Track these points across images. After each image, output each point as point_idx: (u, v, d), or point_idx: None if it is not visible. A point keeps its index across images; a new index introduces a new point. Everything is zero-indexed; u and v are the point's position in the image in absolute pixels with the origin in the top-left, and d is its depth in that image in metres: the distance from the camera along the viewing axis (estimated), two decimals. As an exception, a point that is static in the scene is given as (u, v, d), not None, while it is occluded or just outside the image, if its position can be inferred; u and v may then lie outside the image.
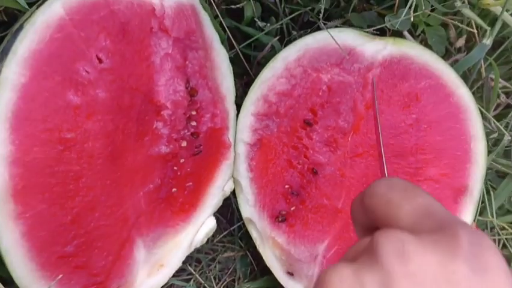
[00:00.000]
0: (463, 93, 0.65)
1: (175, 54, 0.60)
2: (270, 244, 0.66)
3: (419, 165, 0.65)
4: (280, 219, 0.66)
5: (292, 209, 0.66)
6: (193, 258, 0.71)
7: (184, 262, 0.68)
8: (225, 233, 0.72)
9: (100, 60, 0.54)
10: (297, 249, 0.65)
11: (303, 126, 0.66)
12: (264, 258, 0.66)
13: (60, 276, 0.53)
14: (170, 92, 0.61)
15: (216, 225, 0.67)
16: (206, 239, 0.66)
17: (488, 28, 0.63)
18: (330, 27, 0.66)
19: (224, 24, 0.66)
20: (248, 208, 0.66)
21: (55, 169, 0.52)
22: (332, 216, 0.66)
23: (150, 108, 0.60)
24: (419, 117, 0.65)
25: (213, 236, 0.69)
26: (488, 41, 0.64)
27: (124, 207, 0.58)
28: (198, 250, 0.70)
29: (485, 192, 0.71)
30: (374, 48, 0.65)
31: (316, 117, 0.66)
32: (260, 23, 0.68)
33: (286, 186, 0.67)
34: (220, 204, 0.67)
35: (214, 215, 0.67)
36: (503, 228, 0.71)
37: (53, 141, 0.52)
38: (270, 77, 0.65)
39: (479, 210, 0.69)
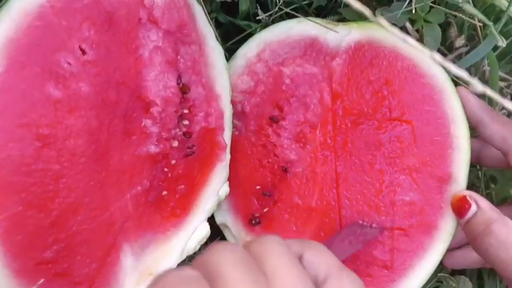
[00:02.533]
0: (436, 73, 0.61)
1: (165, 48, 0.57)
2: None
3: (395, 154, 0.61)
4: (254, 222, 0.63)
5: (265, 210, 0.63)
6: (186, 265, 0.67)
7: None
8: (218, 238, 0.68)
9: (83, 52, 0.51)
10: None
11: (269, 123, 0.63)
12: None
13: (42, 280, 0.50)
14: (160, 88, 0.57)
15: (209, 231, 0.62)
16: (199, 246, 0.62)
17: (491, 23, 0.59)
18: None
19: (210, 21, 0.63)
20: (221, 212, 0.63)
21: (32, 167, 0.48)
22: (307, 215, 0.63)
23: (138, 104, 0.56)
24: (390, 102, 0.61)
25: (207, 242, 0.65)
26: (501, 42, 0.60)
27: (110, 211, 0.55)
28: (191, 257, 0.66)
29: (483, 188, 0.68)
30: (337, 36, 0.61)
31: (283, 113, 0.63)
32: (261, 14, 0.64)
33: (258, 187, 0.63)
34: (215, 209, 0.63)
35: (208, 220, 0.63)
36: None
37: (30, 137, 0.48)
38: (231, 75, 0.62)
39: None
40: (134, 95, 0.55)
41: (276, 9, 0.62)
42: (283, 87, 0.63)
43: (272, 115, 0.63)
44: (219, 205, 0.63)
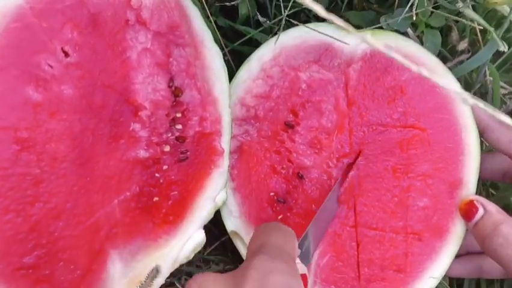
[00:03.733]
0: (450, 81, 0.58)
1: (155, 50, 0.55)
2: None
3: (410, 161, 0.61)
4: None
5: (279, 217, 0.61)
6: (183, 272, 0.65)
7: (172, 276, 0.62)
8: (216, 244, 0.66)
9: (66, 54, 0.50)
10: None
11: (284, 128, 0.61)
12: None
13: None
14: (149, 91, 0.55)
15: (205, 239, 0.60)
16: (193, 255, 0.60)
17: (492, 29, 0.56)
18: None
19: (212, 23, 0.61)
20: (232, 220, 0.61)
21: (10, 171, 0.47)
22: None
23: (126, 108, 0.54)
24: (405, 110, 0.60)
25: (205, 247, 0.63)
26: (502, 47, 0.58)
27: (95, 216, 0.53)
28: (188, 262, 0.64)
29: (484, 195, 0.68)
30: (352, 42, 0.60)
31: (298, 118, 0.61)
32: (261, 18, 0.62)
33: (272, 194, 0.61)
34: (211, 216, 0.61)
35: (206, 225, 0.61)
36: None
37: (8, 140, 0.47)
38: (246, 79, 0.61)
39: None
40: (121, 98, 0.54)
41: (284, 15, 0.60)
42: (299, 93, 0.61)
43: (287, 120, 0.61)
44: (229, 212, 0.62)
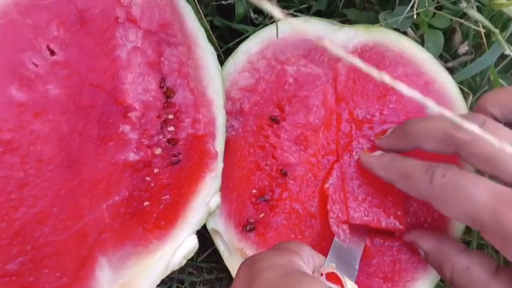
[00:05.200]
0: (444, 81, 0.58)
1: (145, 49, 0.53)
2: (239, 256, 0.59)
3: None
4: (248, 228, 0.59)
5: (261, 216, 0.59)
6: (174, 279, 0.63)
7: (163, 283, 0.60)
8: (210, 251, 0.64)
9: (52, 52, 0.48)
10: None
11: (269, 123, 0.59)
12: (231, 273, 0.59)
13: None
14: (139, 92, 0.53)
15: (197, 244, 0.58)
16: (185, 261, 0.58)
17: (497, 30, 0.54)
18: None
19: (205, 22, 0.60)
20: (212, 218, 0.59)
21: (-9, 174, 0.45)
22: (306, 222, 0.59)
23: (115, 109, 0.52)
24: (397, 107, 0.58)
25: (197, 254, 0.61)
26: (508, 50, 0.56)
27: (83, 221, 0.51)
28: (180, 270, 0.62)
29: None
30: (344, 37, 0.59)
31: (284, 114, 0.59)
32: (253, 15, 0.60)
33: (254, 191, 0.59)
34: (204, 221, 0.59)
35: (198, 231, 0.59)
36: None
37: (-10, 142, 0.45)
38: (232, 71, 0.59)
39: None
40: (110, 99, 0.52)
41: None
42: (286, 87, 0.59)
43: (272, 115, 0.59)
44: (209, 210, 0.60)
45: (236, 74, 0.59)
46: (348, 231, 0.57)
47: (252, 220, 0.59)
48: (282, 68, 0.59)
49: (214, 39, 0.61)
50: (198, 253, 0.60)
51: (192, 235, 0.58)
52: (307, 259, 0.48)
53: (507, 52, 0.55)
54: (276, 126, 0.60)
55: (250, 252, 0.58)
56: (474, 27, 0.57)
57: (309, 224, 0.59)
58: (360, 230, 0.58)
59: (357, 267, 0.55)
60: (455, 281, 0.50)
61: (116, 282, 0.54)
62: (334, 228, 0.57)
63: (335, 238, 0.56)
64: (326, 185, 0.58)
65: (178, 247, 0.57)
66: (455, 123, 0.45)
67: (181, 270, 0.63)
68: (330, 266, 0.49)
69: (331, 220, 0.58)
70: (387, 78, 0.25)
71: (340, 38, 0.59)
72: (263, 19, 0.62)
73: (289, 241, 0.53)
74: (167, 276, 0.58)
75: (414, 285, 0.58)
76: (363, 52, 0.59)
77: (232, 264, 0.59)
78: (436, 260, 0.52)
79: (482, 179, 0.45)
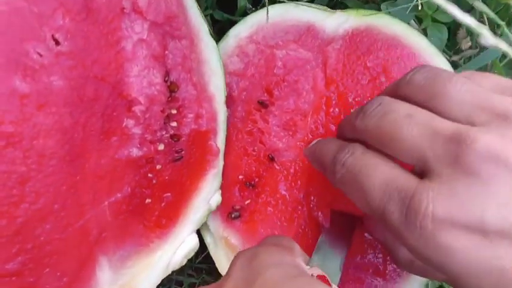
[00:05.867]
0: (438, 63, 0.57)
1: (151, 41, 0.52)
2: (223, 245, 0.58)
3: None
4: (233, 215, 0.58)
5: (247, 202, 0.58)
6: (173, 281, 0.61)
7: (162, 285, 0.58)
8: (208, 251, 0.62)
9: (57, 42, 0.46)
10: None
11: (257, 108, 0.58)
12: (216, 263, 0.57)
13: None
14: (144, 85, 0.52)
15: (198, 244, 0.57)
16: (185, 261, 0.56)
17: (503, 23, 0.54)
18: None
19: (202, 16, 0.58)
20: None
21: (-7, 169, 0.43)
22: (293, 209, 0.58)
23: (119, 102, 0.51)
24: None
25: (196, 255, 0.59)
26: None
27: (84, 219, 0.49)
28: (179, 271, 0.61)
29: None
30: (335, 22, 0.58)
31: (273, 98, 0.58)
32: (249, 6, 0.60)
33: (241, 177, 0.58)
34: (205, 220, 0.57)
35: (197, 232, 0.58)
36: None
37: (-8, 134, 0.43)
38: (222, 55, 0.58)
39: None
40: (114, 92, 0.50)
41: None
42: (274, 71, 0.58)
43: (261, 99, 0.59)
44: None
45: (226, 58, 0.59)
46: (331, 217, 0.57)
47: (237, 207, 0.58)
48: (271, 52, 0.58)
49: (211, 33, 0.60)
50: (197, 254, 0.58)
51: (192, 234, 0.56)
52: (299, 256, 0.47)
53: (514, 46, 0.55)
54: (264, 111, 0.59)
55: (234, 240, 0.57)
56: (479, 24, 0.57)
57: (296, 210, 0.58)
58: (345, 226, 0.57)
59: (340, 270, 0.54)
60: (413, 267, 0.49)
61: (116, 283, 0.53)
62: (315, 212, 0.57)
63: (321, 236, 0.55)
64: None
65: (178, 246, 0.55)
66: (357, 111, 0.45)
67: (180, 271, 0.62)
68: (316, 267, 0.47)
69: (312, 204, 0.57)
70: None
71: (331, 23, 0.59)
72: (257, 10, 0.61)
73: (281, 236, 0.51)
74: (166, 278, 0.57)
75: (404, 279, 0.57)
76: (355, 36, 0.58)
77: (217, 254, 0.58)
78: (389, 249, 0.51)
79: (378, 165, 0.42)
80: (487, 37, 0.27)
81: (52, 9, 0.45)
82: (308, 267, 0.46)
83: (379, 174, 0.41)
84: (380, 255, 0.57)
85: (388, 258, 0.57)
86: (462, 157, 0.36)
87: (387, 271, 0.57)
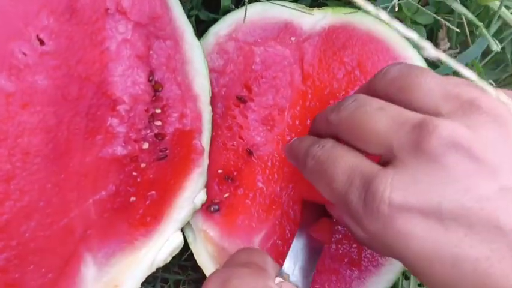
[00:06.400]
0: (411, 56, 0.59)
1: (135, 41, 0.52)
2: (202, 239, 0.58)
3: None
4: (212, 209, 0.58)
5: (225, 196, 0.59)
6: (158, 278, 0.62)
7: (147, 283, 0.59)
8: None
9: (42, 42, 0.46)
10: (231, 243, 0.58)
11: (236, 103, 0.59)
12: (195, 256, 0.59)
13: None
14: (128, 84, 0.53)
15: (183, 241, 0.57)
16: (170, 258, 0.57)
17: (481, 24, 0.55)
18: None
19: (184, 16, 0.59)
20: None
21: (-22, 166, 0.44)
22: (270, 202, 0.59)
23: (103, 101, 0.51)
24: (363, 83, 0.58)
25: (182, 253, 0.60)
26: (495, 46, 0.57)
27: (69, 217, 0.50)
28: (164, 268, 0.61)
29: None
30: (312, 19, 0.60)
31: (251, 94, 0.60)
32: (232, 7, 0.61)
33: (220, 171, 0.59)
34: (190, 218, 0.58)
35: (182, 229, 0.58)
36: None
37: (-23, 132, 0.43)
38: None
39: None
40: (99, 91, 0.51)
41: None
42: (253, 67, 0.60)
43: (240, 95, 0.60)
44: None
45: (205, 55, 0.59)
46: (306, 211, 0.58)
47: (216, 200, 0.59)
48: (250, 49, 0.60)
49: (195, 34, 0.61)
50: (182, 251, 0.59)
51: (177, 232, 0.57)
52: (272, 272, 0.47)
53: (494, 48, 0.56)
54: (243, 106, 0.60)
55: (213, 233, 0.58)
56: (459, 22, 0.58)
57: (274, 203, 0.59)
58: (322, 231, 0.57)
59: (313, 270, 0.54)
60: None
61: (100, 280, 0.53)
62: (292, 205, 0.58)
63: (294, 241, 0.55)
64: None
65: (163, 244, 0.56)
66: (331, 107, 0.46)
67: (166, 268, 0.63)
68: (286, 282, 0.48)
69: (288, 197, 0.58)
70: (384, 16, 0.24)
71: (309, 21, 0.60)
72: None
73: (254, 251, 0.51)
74: (152, 275, 0.57)
75: (380, 271, 0.58)
76: (331, 32, 0.60)
77: (196, 247, 0.59)
78: (346, 226, 0.51)
79: (344, 155, 0.42)
80: (429, 50, 0.28)
81: (37, 10, 0.46)
82: (279, 279, 0.46)
83: (344, 163, 0.41)
84: (355, 246, 0.57)
85: (363, 248, 0.58)
86: (423, 144, 0.37)
87: (362, 261, 0.58)
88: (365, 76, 0.59)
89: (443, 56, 0.26)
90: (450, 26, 0.59)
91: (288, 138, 0.60)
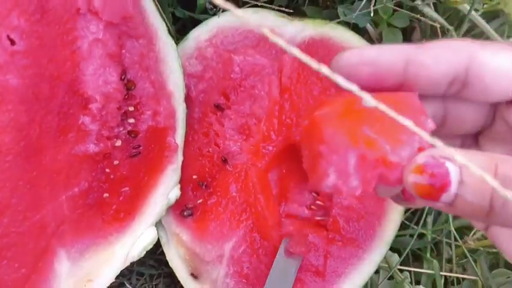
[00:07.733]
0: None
1: (106, 41, 0.53)
2: (175, 242, 0.60)
3: None
4: (185, 213, 0.60)
5: (199, 201, 0.60)
6: (133, 272, 0.63)
7: (123, 276, 0.60)
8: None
9: (12, 42, 0.47)
10: (202, 248, 0.59)
11: (213, 111, 0.60)
12: (167, 258, 0.60)
13: None
14: (100, 83, 0.53)
15: (157, 236, 0.59)
16: (144, 253, 0.58)
17: (451, 27, 0.56)
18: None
19: (163, 15, 0.60)
20: None
21: (-51, 164, 0.45)
22: (242, 210, 0.60)
23: (75, 100, 0.52)
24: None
25: (157, 247, 0.61)
26: None
27: (42, 213, 0.51)
28: (140, 262, 0.62)
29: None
30: (292, 30, 0.60)
31: (229, 102, 0.60)
32: (208, 5, 0.61)
33: (194, 177, 0.60)
34: (164, 213, 0.59)
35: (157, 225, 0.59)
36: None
37: None
38: (181, 56, 0.59)
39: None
40: (70, 90, 0.52)
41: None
42: (232, 75, 0.60)
43: (217, 103, 0.60)
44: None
45: (185, 60, 0.60)
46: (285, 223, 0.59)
47: (190, 205, 0.60)
48: (229, 56, 0.60)
49: (172, 32, 0.61)
50: (158, 246, 0.60)
51: (151, 227, 0.58)
52: None
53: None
54: (220, 114, 0.60)
55: (185, 238, 0.59)
56: (432, 23, 0.59)
57: (245, 212, 0.60)
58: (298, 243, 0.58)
59: None
60: None
61: (75, 274, 0.54)
62: (264, 214, 0.59)
63: (274, 262, 0.56)
64: (269, 175, 0.60)
65: (137, 239, 0.57)
66: None
67: (141, 262, 0.64)
68: None
69: (260, 206, 0.59)
70: (325, 70, 0.25)
71: (289, 31, 0.60)
72: (218, 10, 0.62)
73: None
74: (127, 269, 0.58)
75: (344, 280, 0.58)
76: (310, 45, 0.60)
77: (169, 250, 0.60)
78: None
79: None
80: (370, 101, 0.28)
81: (7, 10, 0.47)
82: None
83: None
84: (321, 257, 0.58)
85: (328, 259, 0.58)
86: None
87: (326, 272, 0.58)
88: (339, 91, 0.58)
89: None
90: (429, 22, 0.60)
91: (262, 149, 0.60)
